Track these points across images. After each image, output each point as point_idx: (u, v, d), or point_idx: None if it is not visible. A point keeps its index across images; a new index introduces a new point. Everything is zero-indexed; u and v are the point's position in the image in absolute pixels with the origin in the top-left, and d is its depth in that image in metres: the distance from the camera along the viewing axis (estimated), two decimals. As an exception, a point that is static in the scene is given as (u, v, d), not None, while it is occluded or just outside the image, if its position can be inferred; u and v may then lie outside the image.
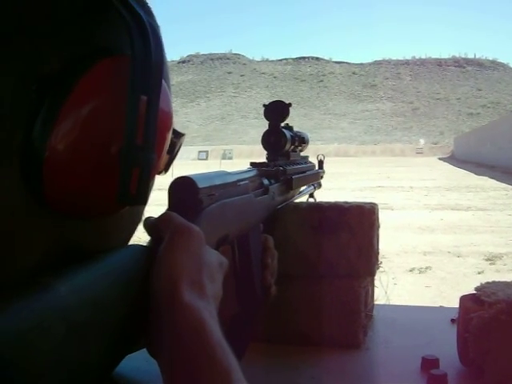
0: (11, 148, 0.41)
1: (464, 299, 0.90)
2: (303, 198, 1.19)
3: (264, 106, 1.02)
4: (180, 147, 0.60)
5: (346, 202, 1.02)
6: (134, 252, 0.52)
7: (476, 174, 20.29)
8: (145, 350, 0.52)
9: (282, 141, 1.00)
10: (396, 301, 1.64)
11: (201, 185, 0.63)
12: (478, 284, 0.93)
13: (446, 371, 0.85)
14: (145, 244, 0.56)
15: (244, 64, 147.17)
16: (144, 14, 0.45)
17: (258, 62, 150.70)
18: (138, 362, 0.67)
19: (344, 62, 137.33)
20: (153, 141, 0.46)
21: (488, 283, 0.92)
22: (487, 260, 6.02)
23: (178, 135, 0.58)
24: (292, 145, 1.04)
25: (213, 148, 52.14)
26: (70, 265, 0.44)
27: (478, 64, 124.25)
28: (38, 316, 0.37)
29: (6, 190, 0.41)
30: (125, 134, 0.44)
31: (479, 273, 5.47)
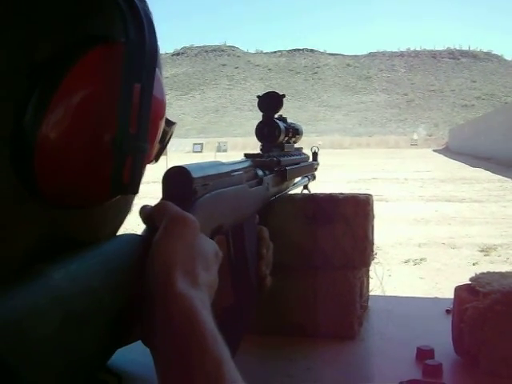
0: (1, 136, 0.41)
1: (459, 290, 0.90)
2: (297, 190, 1.19)
3: (258, 97, 1.01)
4: (171, 136, 0.59)
5: (341, 193, 1.02)
6: (128, 241, 0.52)
7: (471, 165, 20.34)
8: (139, 342, 0.52)
9: (275, 132, 0.99)
10: (391, 292, 1.64)
11: (195, 175, 0.63)
12: (472, 275, 0.93)
13: (441, 361, 0.85)
14: (139, 233, 0.56)
15: (238, 56, 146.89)
16: (138, 1, 0.45)
17: (253, 54, 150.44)
18: (135, 354, 0.66)
19: (338, 54, 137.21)
20: (146, 129, 0.46)
21: (483, 274, 0.92)
22: (482, 251, 6.04)
23: (170, 124, 0.58)
24: (286, 136, 1.04)
25: (207, 140, 52.09)
26: (63, 253, 0.44)
27: (473, 56, 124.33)
28: (33, 303, 0.37)
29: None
30: (118, 123, 0.44)
31: (474, 264, 5.48)
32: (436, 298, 1.45)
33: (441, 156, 31.46)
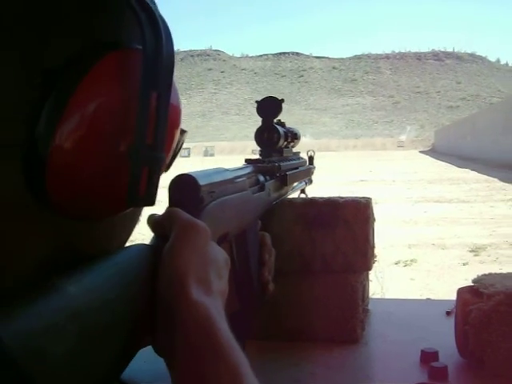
0: (12, 146, 0.39)
1: (462, 292, 0.90)
2: (294, 194, 1.19)
3: (257, 102, 1.01)
4: (182, 145, 0.59)
5: (341, 197, 1.02)
6: (139, 251, 0.51)
7: (457, 166, 20.44)
8: (142, 350, 0.51)
9: (275, 137, 0.99)
10: (382, 294, 1.65)
11: (201, 182, 0.62)
12: (463, 275, 0.93)
13: (446, 363, 0.85)
14: (147, 243, 0.55)
15: (224, 60, 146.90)
16: (152, 5, 0.44)
17: (238, 58, 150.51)
18: (137, 362, 0.66)
19: (324, 57, 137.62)
20: (163, 139, 0.45)
21: (485, 275, 0.92)
22: (471, 251, 6.06)
23: (181, 132, 0.57)
24: (285, 141, 1.04)
25: (194, 145, 51.99)
26: (76, 266, 0.43)
27: (457, 57, 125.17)
28: (49, 319, 0.36)
29: (6, 190, 0.39)
30: (135, 132, 0.42)
31: (464, 264, 5.50)
32: (435, 300, 1.46)
33: (427, 157, 31.62)
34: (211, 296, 0.50)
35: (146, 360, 0.50)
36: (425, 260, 5.74)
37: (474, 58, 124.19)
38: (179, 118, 0.50)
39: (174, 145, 0.51)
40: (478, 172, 16.82)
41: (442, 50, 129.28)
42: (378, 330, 1.07)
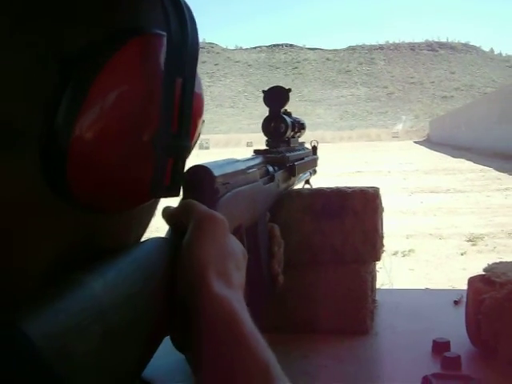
0: (30, 137, 0.37)
1: (473, 280, 0.90)
2: (299, 185, 1.18)
3: (263, 91, 1.00)
4: (199, 136, 0.57)
5: (349, 187, 1.01)
6: (157, 244, 0.49)
7: (453, 156, 20.45)
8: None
9: (282, 127, 0.98)
10: (391, 285, 1.64)
11: (216, 173, 0.61)
12: (461, 265, 0.93)
13: (458, 353, 0.85)
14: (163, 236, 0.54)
15: (218, 53, 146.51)
16: None
17: (232, 50, 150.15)
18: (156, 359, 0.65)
19: (318, 49, 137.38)
20: (188, 127, 0.43)
21: (495, 263, 0.91)
22: (469, 241, 6.07)
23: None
24: (292, 131, 1.03)
25: (189, 138, 51.65)
26: (97, 260, 0.41)
27: (451, 47, 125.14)
28: (75, 317, 0.35)
29: (23, 183, 0.38)
30: (159, 120, 0.41)
31: (462, 254, 5.51)
32: (441, 289, 1.45)
33: (422, 147, 31.62)
34: (232, 289, 0.49)
35: (165, 356, 0.49)
36: (423, 250, 5.74)
37: (467, 48, 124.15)
38: (202, 107, 0.49)
39: (198, 135, 0.50)
40: (473, 162, 16.84)
41: (436, 40, 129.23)
42: (387, 320, 1.06)
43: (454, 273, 4.64)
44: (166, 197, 0.45)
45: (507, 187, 10.13)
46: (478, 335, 0.86)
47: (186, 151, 0.44)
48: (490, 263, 0.92)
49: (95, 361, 0.36)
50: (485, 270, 0.90)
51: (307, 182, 1.26)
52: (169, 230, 0.55)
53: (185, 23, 0.42)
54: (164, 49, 0.41)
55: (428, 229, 6.77)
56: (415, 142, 42.07)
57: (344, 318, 0.99)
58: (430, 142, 39.18)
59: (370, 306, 1.00)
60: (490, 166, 14.67)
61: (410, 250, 5.74)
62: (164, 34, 0.42)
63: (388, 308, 1.12)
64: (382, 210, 1.02)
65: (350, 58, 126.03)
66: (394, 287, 1.36)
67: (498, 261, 0.93)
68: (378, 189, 1.02)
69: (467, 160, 17.76)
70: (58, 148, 0.38)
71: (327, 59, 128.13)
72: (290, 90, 1.00)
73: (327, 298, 0.99)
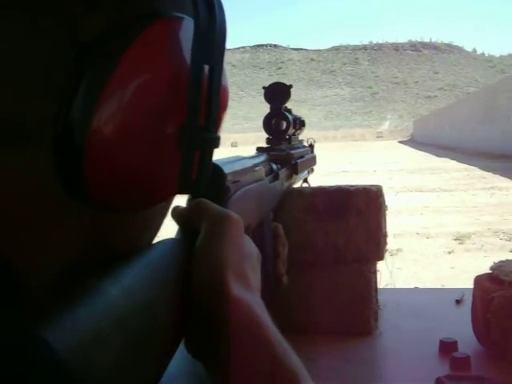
0: (44, 131, 0.34)
1: (480, 279, 0.89)
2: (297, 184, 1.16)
3: (264, 88, 0.98)
4: None
5: (352, 185, 1.00)
6: (171, 246, 0.47)
7: (437, 155, 20.56)
8: None
9: (285, 124, 0.96)
10: (387, 285, 1.63)
11: (226, 170, 0.59)
12: (449, 263, 0.92)
13: (467, 353, 0.83)
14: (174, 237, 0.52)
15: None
16: None
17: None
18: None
19: (302, 49, 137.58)
20: (216, 117, 0.41)
21: (502, 262, 0.90)
22: (456, 240, 6.10)
23: None
24: (293, 128, 1.01)
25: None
26: (112, 263, 0.39)
27: (434, 47, 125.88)
28: (96, 326, 0.32)
29: (36, 181, 0.35)
30: (187, 111, 0.38)
31: (449, 253, 5.53)
32: (441, 288, 1.44)
33: (407, 147, 31.74)
34: (251, 291, 0.47)
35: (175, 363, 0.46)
36: (410, 249, 5.75)
37: (450, 48, 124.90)
38: (228, 98, 0.46)
39: (221, 127, 0.46)
40: (458, 161, 16.93)
41: (419, 40, 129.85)
42: (390, 320, 1.04)
43: (442, 271, 4.65)
44: (193, 192, 0.44)
45: (492, 186, 10.20)
46: (486, 335, 0.85)
47: (214, 144, 0.42)
48: (496, 261, 0.91)
49: (116, 372, 0.34)
50: (491, 268, 0.89)
51: (305, 180, 1.24)
52: (179, 230, 0.53)
53: (213, 8, 0.39)
54: (191, 34, 0.39)
55: (415, 228, 6.79)
56: (399, 142, 42.26)
57: (348, 319, 0.97)
58: (415, 142, 39.38)
59: (374, 306, 0.99)
60: (474, 166, 14.76)
61: (397, 250, 5.75)
62: (190, 18, 0.39)
63: (390, 308, 1.10)
64: (386, 208, 1.00)
65: (334, 59, 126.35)
66: (393, 287, 1.35)
67: (504, 259, 0.92)
68: (381, 187, 1.00)
69: (452, 159, 17.86)
70: (73, 143, 0.35)
71: (311, 59, 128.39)
72: (291, 86, 0.98)
73: (330, 299, 0.97)
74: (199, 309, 0.45)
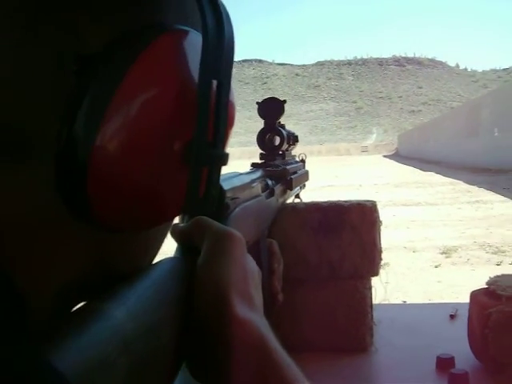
0: (45, 147, 0.32)
1: (477, 294, 0.88)
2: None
3: (257, 103, 0.97)
4: None
5: (346, 201, 0.99)
6: (172, 265, 0.45)
7: (422, 169, 20.65)
8: None
9: (278, 140, 0.96)
10: (383, 300, 1.63)
11: (225, 187, 0.58)
12: (436, 277, 0.92)
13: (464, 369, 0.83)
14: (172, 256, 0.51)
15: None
16: None
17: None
18: None
19: (287, 64, 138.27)
20: (224, 133, 0.40)
21: (498, 277, 0.90)
22: (443, 253, 6.10)
23: None
24: (287, 144, 1.00)
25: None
26: (114, 285, 0.37)
27: (418, 63, 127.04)
28: (101, 351, 0.31)
29: (36, 199, 0.33)
30: (195, 126, 0.37)
31: (436, 266, 5.53)
32: (434, 303, 1.44)
33: (392, 161, 31.90)
34: (255, 311, 0.45)
35: None
36: (397, 263, 5.74)
37: (434, 63, 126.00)
38: (234, 115, 0.45)
39: (227, 144, 0.45)
40: (443, 175, 17.02)
41: (403, 55, 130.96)
42: (385, 336, 1.04)
43: (429, 285, 4.65)
44: (199, 212, 0.42)
45: (477, 200, 10.26)
46: (484, 350, 0.85)
47: (222, 161, 0.40)
48: (492, 276, 0.90)
49: None
50: (488, 283, 0.88)
51: (297, 196, 1.23)
52: (179, 248, 0.51)
53: (221, 21, 0.38)
54: (198, 48, 0.37)
55: (401, 242, 6.79)
56: (384, 156, 42.46)
57: (343, 336, 0.96)
58: (399, 156, 39.56)
59: (370, 322, 0.98)
60: (459, 179, 14.85)
61: (384, 264, 5.71)
62: (198, 31, 0.38)
63: (384, 324, 1.10)
64: (380, 223, 1.00)
65: (318, 74, 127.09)
66: (388, 302, 1.35)
67: (499, 274, 0.91)
68: (375, 202, 1.00)
69: (436, 173, 17.95)
70: (76, 160, 0.33)
71: (296, 74, 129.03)
72: (285, 101, 0.97)
73: (325, 316, 0.96)
74: (201, 329, 0.43)
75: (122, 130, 0.34)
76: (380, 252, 1.00)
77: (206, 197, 0.40)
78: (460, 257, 5.91)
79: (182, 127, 0.37)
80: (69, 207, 0.35)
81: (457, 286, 4.42)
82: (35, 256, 0.34)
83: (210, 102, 0.37)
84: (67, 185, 0.34)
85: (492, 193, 11.00)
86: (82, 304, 0.35)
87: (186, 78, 0.37)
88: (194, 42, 0.38)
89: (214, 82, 0.38)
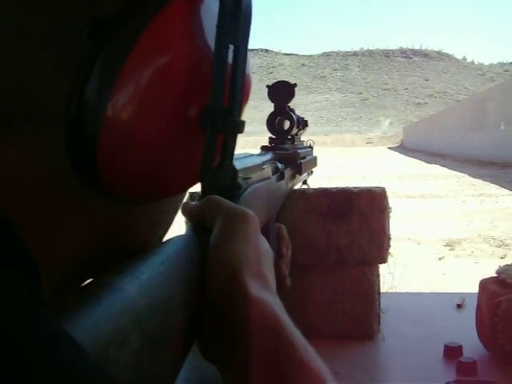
0: (55, 112, 0.31)
1: (486, 283, 0.87)
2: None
3: (267, 86, 0.96)
4: None
5: (355, 187, 0.98)
6: (185, 242, 0.44)
7: (426, 162, 20.63)
8: None
9: (288, 124, 0.95)
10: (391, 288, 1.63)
11: (238, 166, 0.57)
12: (440, 270, 0.91)
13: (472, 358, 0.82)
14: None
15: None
16: None
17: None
18: None
19: (293, 54, 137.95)
20: (240, 100, 0.38)
21: (508, 265, 0.89)
22: (446, 246, 6.11)
23: None
24: (297, 128, 0.99)
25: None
26: (128, 260, 0.36)
27: (424, 55, 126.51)
28: (115, 326, 0.30)
29: (46, 166, 0.32)
30: (211, 92, 0.36)
31: (440, 259, 5.54)
32: (440, 293, 1.43)
33: (396, 153, 31.85)
34: (270, 291, 0.44)
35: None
36: (401, 255, 5.75)
37: (440, 56, 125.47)
38: (250, 88, 0.43)
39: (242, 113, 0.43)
40: (448, 168, 17.00)
41: (410, 47, 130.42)
42: (391, 325, 1.03)
43: (432, 277, 4.65)
44: (215, 180, 0.40)
45: (482, 193, 10.25)
46: (492, 339, 0.84)
47: (238, 128, 0.39)
48: (502, 265, 0.90)
49: (135, 372, 0.31)
50: (497, 272, 0.88)
51: (305, 182, 1.22)
52: (189, 228, 0.50)
53: None
54: (215, 11, 0.36)
55: (405, 233, 6.78)
56: (389, 148, 42.38)
57: (350, 322, 0.96)
58: (404, 148, 39.49)
59: (377, 309, 0.97)
60: (464, 172, 14.83)
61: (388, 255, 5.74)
62: None
63: (391, 312, 1.09)
64: (390, 210, 0.99)
65: (324, 64, 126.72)
66: (396, 290, 1.35)
67: (510, 262, 0.90)
68: (384, 189, 0.99)
69: (441, 166, 17.93)
70: (86, 127, 0.32)
71: (302, 65, 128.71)
72: (295, 84, 0.96)
73: (333, 302, 0.96)
74: (213, 309, 0.42)
75: (135, 95, 0.32)
76: (389, 239, 0.99)
77: (220, 166, 0.39)
78: (464, 249, 5.91)
79: (197, 93, 0.36)
80: (79, 176, 0.33)
81: (460, 278, 4.42)
82: (40, 224, 0.33)
83: (226, 66, 0.36)
84: (78, 153, 0.33)
85: (497, 186, 10.98)
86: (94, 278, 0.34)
87: (201, 42, 0.36)
88: (210, 5, 0.37)
89: (231, 47, 0.37)
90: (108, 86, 0.31)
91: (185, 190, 0.42)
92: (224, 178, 0.41)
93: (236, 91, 0.38)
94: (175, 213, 0.46)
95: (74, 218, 0.35)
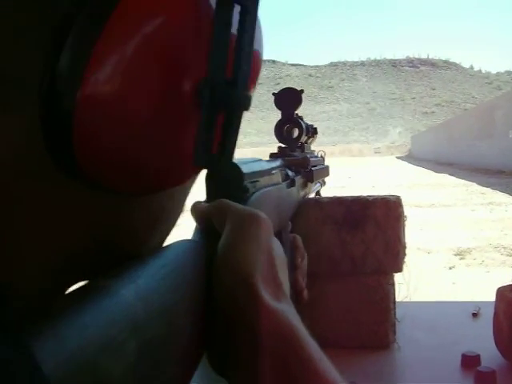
0: (25, 93, 0.26)
1: (504, 291, 0.86)
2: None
3: (274, 94, 0.96)
4: None
5: (370, 196, 0.98)
6: (188, 247, 0.41)
7: (435, 171, 20.56)
8: None
9: (297, 131, 0.94)
10: (406, 297, 1.61)
11: (244, 170, 0.56)
12: (451, 279, 0.90)
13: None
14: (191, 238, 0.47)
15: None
16: None
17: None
18: None
19: (300, 65, 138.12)
20: (247, 72, 0.32)
21: (525, 274, 0.88)
22: (457, 255, 6.07)
23: None
24: (306, 136, 0.99)
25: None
26: (125, 263, 0.33)
27: (432, 64, 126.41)
28: (108, 332, 0.27)
29: (17, 147, 0.26)
30: (209, 61, 0.29)
31: (450, 268, 5.51)
32: (455, 301, 1.42)
33: (405, 163, 31.76)
34: (284, 300, 0.41)
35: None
36: (412, 264, 5.71)
37: (447, 65, 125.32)
38: (261, 63, 0.36)
39: (254, 89, 0.37)
40: (456, 176, 16.93)
41: (417, 56, 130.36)
42: (407, 334, 1.02)
43: (443, 287, 4.62)
44: (214, 167, 0.33)
45: (491, 201, 10.19)
46: (511, 348, 0.83)
47: (243, 104, 0.32)
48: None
49: (132, 382, 0.29)
50: (515, 280, 0.86)
51: (317, 193, 1.21)
52: (196, 231, 0.47)
53: None
54: None
55: (415, 243, 6.75)
56: (397, 158, 42.29)
57: (365, 332, 0.95)
58: (412, 158, 39.38)
59: (393, 319, 0.96)
60: (473, 181, 14.77)
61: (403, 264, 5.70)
62: None
63: (407, 321, 1.08)
64: (405, 218, 0.98)
65: (332, 74, 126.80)
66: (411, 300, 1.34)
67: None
68: (399, 197, 0.98)
69: (450, 175, 17.85)
70: (61, 102, 0.26)
71: (309, 75, 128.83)
72: (302, 91, 0.96)
73: (347, 311, 0.95)
74: (222, 318, 0.40)
75: (117, 66, 0.27)
76: (404, 247, 0.98)
77: (222, 150, 0.33)
78: (474, 259, 5.87)
79: (194, 62, 0.30)
80: (53, 157, 0.28)
81: (472, 287, 4.38)
82: (17, 221, 0.28)
83: (229, 28, 0.30)
84: (53, 133, 0.27)
85: (506, 195, 10.93)
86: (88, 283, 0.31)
87: (198, 3, 0.30)
88: None
89: (237, 8, 0.30)
90: (84, 54, 0.26)
91: (182, 181, 0.36)
92: (224, 164, 0.33)
93: (241, 60, 0.31)
94: (178, 212, 0.41)
95: (53, 209, 0.29)
